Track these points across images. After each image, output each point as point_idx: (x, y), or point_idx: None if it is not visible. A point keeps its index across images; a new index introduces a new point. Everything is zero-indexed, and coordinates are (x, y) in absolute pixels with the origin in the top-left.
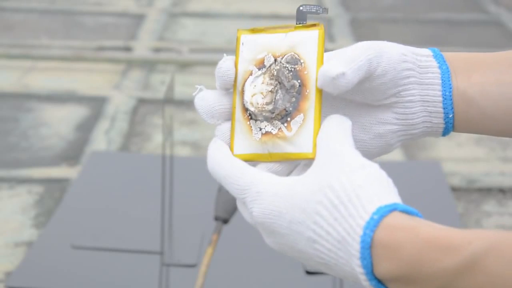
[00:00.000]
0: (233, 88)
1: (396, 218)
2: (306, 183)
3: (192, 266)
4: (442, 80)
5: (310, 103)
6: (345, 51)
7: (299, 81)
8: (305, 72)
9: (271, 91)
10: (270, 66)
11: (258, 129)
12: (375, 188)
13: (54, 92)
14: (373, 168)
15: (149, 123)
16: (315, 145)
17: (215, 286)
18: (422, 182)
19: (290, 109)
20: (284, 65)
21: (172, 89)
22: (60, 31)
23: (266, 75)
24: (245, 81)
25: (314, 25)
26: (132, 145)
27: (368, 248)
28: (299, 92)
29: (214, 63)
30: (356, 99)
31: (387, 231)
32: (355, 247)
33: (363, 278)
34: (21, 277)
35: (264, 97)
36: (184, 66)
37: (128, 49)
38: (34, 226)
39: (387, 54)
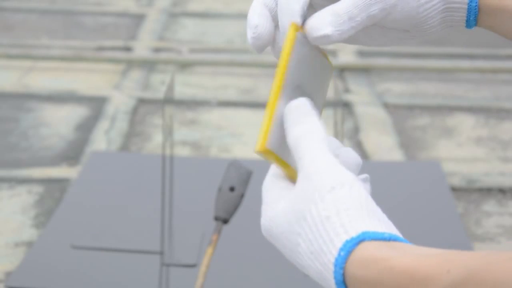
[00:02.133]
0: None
1: (365, 250)
2: (286, 211)
3: (192, 266)
4: (469, 5)
5: (271, 97)
6: (346, 2)
7: None
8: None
9: None
10: None
11: None
12: (342, 218)
13: (54, 92)
14: (343, 190)
15: (149, 123)
16: (260, 139)
17: (215, 286)
18: (422, 182)
19: None
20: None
21: (172, 89)
22: (60, 31)
23: None
24: None
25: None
26: (132, 145)
27: (341, 283)
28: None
29: (214, 63)
30: None
31: (358, 266)
32: (332, 281)
33: None
34: (21, 277)
35: None
36: (184, 66)
37: (128, 49)
38: (34, 226)
39: (401, 4)
